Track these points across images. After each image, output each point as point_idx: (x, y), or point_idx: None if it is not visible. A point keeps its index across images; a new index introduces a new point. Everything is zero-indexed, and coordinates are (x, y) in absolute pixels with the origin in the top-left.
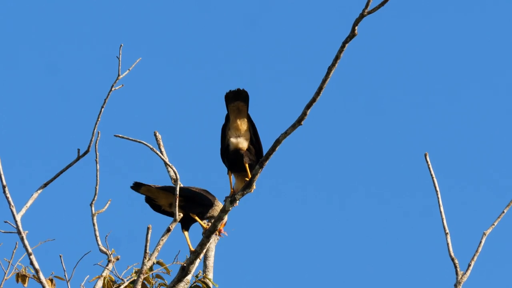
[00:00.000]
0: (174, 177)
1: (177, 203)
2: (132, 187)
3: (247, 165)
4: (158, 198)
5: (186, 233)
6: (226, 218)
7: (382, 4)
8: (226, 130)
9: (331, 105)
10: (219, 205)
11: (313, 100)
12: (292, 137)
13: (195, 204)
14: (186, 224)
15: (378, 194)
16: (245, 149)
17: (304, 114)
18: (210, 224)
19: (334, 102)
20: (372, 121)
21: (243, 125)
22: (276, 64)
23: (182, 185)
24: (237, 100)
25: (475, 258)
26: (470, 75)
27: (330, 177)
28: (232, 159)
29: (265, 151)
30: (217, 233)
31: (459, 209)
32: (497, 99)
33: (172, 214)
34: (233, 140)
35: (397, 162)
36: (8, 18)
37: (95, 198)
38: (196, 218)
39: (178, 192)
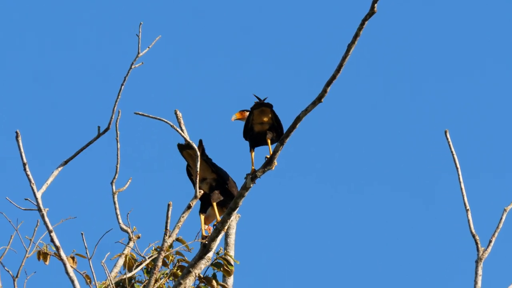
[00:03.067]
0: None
1: (197, 180)
2: (180, 145)
3: (269, 141)
4: (195, 167)
5: (202, 216)
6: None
7: None
8: (249, 119)
9: (351, 84)
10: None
11: (333, 77)
12: (312, 115)
13: (223, 189)
14: (204, 207)
15: (399, 172)
16: (267, 129)
17: (324, 91)
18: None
19: (353, 81)
20: (391, 101)
21: (267, 118)
22: (297, 44)
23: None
24: (261, 107)
25: (496, 234)
26: (494, 54)
27: (351, 156)
28: (254, 136)
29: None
30: (205, 231)
31: (479, 186)
32: None
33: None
34: (257, 126)
35: (418, 140)
36: None
37: (116, 177)
38: (215, 206)
39: (198, 170)
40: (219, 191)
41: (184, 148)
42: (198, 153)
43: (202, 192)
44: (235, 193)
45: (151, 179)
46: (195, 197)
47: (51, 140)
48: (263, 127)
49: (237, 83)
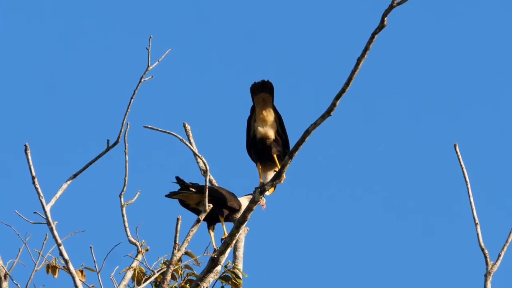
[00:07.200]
0: (204, 168)
1: (206, 194)
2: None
3: (275, 156)
4: (188, 199)
5: (212, 233)
6: (264, 200)
7: None
8: (251, 122)
9: (360, 98)
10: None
11: (343, 90)
12: (321, 128)
13: (222, 206)
14: (212, 223)
15: (408, 185)
16: (272, 138)
17: (333, 104)
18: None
19: (362, 95)
20: (397, 114)
21: (269, 116)
22: (304, 56)
23: (212, 182)
24: (262, 92)
25: (505, 248)
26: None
27: (357, 169)
28: (259, 148)
29: (293, 142)
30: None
31: (489, 200)
32: None
33: (198, 212)
34: (260, 129)
35: (427, 154)
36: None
37: (124, 189)
38: (221, 219)
39: (207, 183)
40: (219, 208)
41: (176, 194)
42: (207, 167)
43: (211, 206)
44: (236, 207)
45: (160, 192)
46: (204, 211)
47: (61, 154)
48: (266, 132)
49: (245, 95)
